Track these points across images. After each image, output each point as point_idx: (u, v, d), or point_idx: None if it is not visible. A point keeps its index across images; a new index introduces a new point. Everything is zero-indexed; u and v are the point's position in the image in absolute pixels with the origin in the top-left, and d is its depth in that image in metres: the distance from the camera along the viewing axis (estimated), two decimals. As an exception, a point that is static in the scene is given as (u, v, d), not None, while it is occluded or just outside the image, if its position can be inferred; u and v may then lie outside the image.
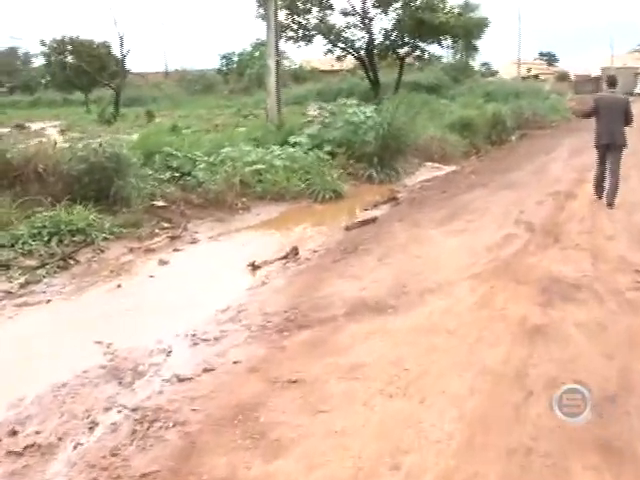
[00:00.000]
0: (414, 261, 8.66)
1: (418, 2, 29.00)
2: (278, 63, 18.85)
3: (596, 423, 4.43)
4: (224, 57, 58.01)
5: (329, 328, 6.43)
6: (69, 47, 44.04)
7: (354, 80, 41.46)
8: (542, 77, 66.71)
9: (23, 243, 9.77)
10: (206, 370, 5.73)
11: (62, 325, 7.40)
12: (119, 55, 37.64)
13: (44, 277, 8.98)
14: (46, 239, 10.16)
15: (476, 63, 56.61)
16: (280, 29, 29.10)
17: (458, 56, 52.11)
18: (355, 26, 30.90)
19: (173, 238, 11.16)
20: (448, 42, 31.57)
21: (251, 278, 8.82)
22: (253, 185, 14.18)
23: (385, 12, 30.52)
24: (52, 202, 11.21)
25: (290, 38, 30.43)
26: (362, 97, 26.70)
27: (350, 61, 36.20)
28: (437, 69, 46.40)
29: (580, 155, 18.95)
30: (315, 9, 29.89)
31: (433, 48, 33.85)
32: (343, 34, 30.64)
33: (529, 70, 69.56)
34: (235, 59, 56.32)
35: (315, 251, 9.94)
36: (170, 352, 6.33)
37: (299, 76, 51.33)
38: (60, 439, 4.69)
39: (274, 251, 10.00)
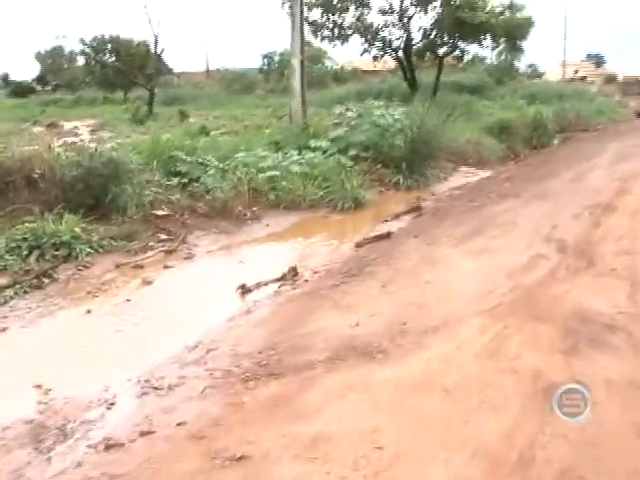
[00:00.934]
0: (422, 289, 7.44)
1: (458, 1, 27.46)
2: (303, 62, 17.69)
3: None
4: (266, 56, 57.05)
5: (302, 379, 5.27)
6: (109, 46, 43.36)
7: (395, 81, 40.02)
8: (589, 79, 64.55)
9: (-2, 258, 8.70)
10: (143, 434, 4.64)
11: (4, 362, 6.32)
12: (159, 54, 36.62)
13: (12, 298, 7.96)
14: (25, 253, 9.15)
15: (522, 64, 54.81)
16: (316, 28, 28.17)
17: (502, 57, 50.45)
18: (393, 25, 29.59)
19: (168, 252, 10.10)
20: (489, 42, 29.79)
21: (237, 304, 7.69)
22: (266, 193, 13.02)
23: (424, 11, 29.11)
24: (42, 211, 10.21)
25: (325, 37, 29.17)
26: (402, 98, 25.51)
27: (391, 62, 34.84)
28: (480, 70, 44.82)
29: (624, 162, 17.53)
30: (352, 7, 28.56)
31: (473, 48, 32.33)
32: (380, 33, 29.28)
33: (576, 72, 67.34)
34: (277, 58, 55.25)
35: (316, 272, 8.78)
36: (112, 404, 5.25)
37: (340, 77, 50.09)
38: None
39: (272, 270, 8.78)
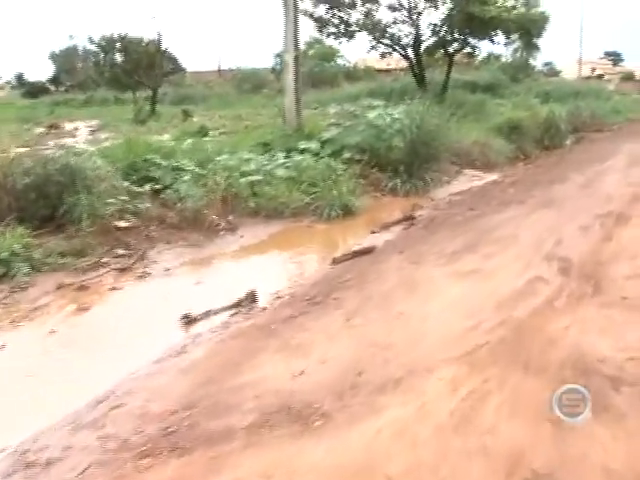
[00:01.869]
0: (392, 323, 6.15)
1: (469, -6, 26.03)
2: (297, 58, 16.37)
3: None
4: (278, 55, 55.61)
5: (210, 459, 4.01)
6: (117, 45, 42.17)
7: (407, 79, 38.54)
8: (606, 77, 62.80)
9: None
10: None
11: None
12: (164, 53, 35.44)
13: None
14: (-46, 273, 7.95)
15: (538, 62, 53.34)
16: (321, 24, 26.85)
17: (518, 54, 49.02)
18: (402, 22, 28.14)
19: (122, 270, 8.87)
20: (500, 38, 28.29)
21: (175, 340, 6.37)
22: (246, 200, 11.76)
23: (435, 6, 27.65)
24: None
25: (331, 34, 27.81)
26: (413, 97, 24.30)
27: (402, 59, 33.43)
28: (494, 68, 43.35)
29: (639, 165, 16.07)
30: (359, 3, 27.18)
31: (485, 45, 30.90)
32: (389, 30, 27.86)
33: (593, 70, 65.68)
34: (289, 58, 53.97)
35: (279, 297, 7.52)
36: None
37: (353, 75, 48.74)
38: None
39: (231, 293, 7.50)
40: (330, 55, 49.61)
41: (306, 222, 11.74)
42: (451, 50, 28.67)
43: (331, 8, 26.45)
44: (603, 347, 5.40)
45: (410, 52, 28.35)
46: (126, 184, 11.46)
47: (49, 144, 20.23)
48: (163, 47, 34.51)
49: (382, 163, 15.00)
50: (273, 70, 54.23)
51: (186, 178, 11.75)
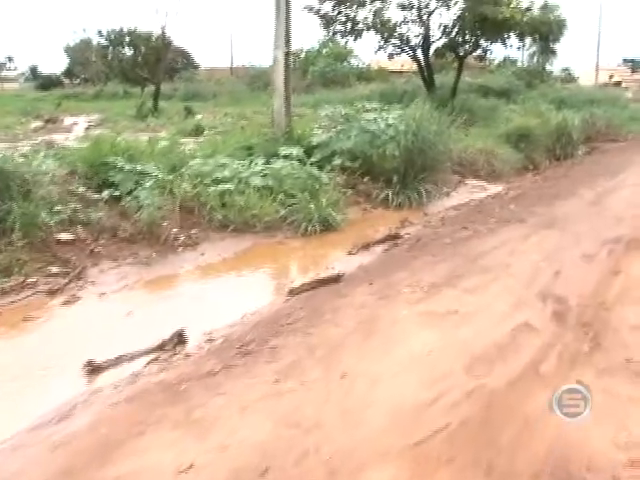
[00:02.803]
0: (329, 390, 4.79)
1: (482, -6, 24.55)
2: (288, 55, 14.97)
3: None
4: (292, 54, 54.25)
5: None
6: (127, 39, 40.99)
7: (419, 81, 37.22)
8: (624, 84, 60.95)
9: None
10: None
11: None
12: (168, 48, 34.14)
13: None
14: None
15: (555, 68, 51.69)
16: (327, 22, 25.46)
17: (534, 59, 47.45)
18: (412, 21, 26.69)
19: (51, 292, 7.55)
20: (514, 41, 26.72)
21: (68, 395, 5.01)
22: (214, 211, 10.42)
23: (446, 6, 26.18)
24: None
25: (337, 32, 26.36)
26: (423, 100, 23.10)
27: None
28: (509, 72, 41.80)
29: (656, 179, 14.63)
30: (368, 0, 25.74)
31: (498, 48, 29.38)
32: (398, 30, 26.39)
33: (611, 77, 63.80)
34: (302, 56, 52.47)
35: (211, 339, 6.18)
36: None
37: (366, 76, 47.29)
38: None
39: (161, 330, 6.15)
40: (344, 55, 48.12)
41: (279, 238, 10.43)
42: (462, 52, 27.11)
43: (337, 5, 24.98)
44: (597, 441, 4.01)
45: (419, 53, 26.84)
46: (82, 190, 10.14)
47: (36, 139, 19.13)
48: (168, 42, 32.75)
49: (375, 172, 13.69)
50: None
51: (148, 185, 10.40)
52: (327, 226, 10.85)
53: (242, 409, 4.47)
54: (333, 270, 8.48)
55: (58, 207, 9.28)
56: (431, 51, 27.00)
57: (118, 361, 5.67)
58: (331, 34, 26.44)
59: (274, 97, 15.10)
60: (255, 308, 6.98)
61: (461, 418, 4.28)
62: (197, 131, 22.06)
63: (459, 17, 25.80)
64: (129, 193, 10.38)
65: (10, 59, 71.64)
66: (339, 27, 25.88)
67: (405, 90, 33.31)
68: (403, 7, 26.33)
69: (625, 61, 75.97)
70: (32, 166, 9.39)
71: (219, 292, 7.96)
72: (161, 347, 5.94)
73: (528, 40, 34.10)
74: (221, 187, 10.87)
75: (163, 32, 31.39)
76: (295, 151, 12.59)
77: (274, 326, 6.17)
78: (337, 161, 13.36)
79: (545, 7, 34.48)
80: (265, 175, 11.67)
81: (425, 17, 26.34)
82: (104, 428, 4.37)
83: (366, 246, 9.71)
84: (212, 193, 10.75)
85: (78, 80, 60.67)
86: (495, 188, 15.51)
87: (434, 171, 14.02)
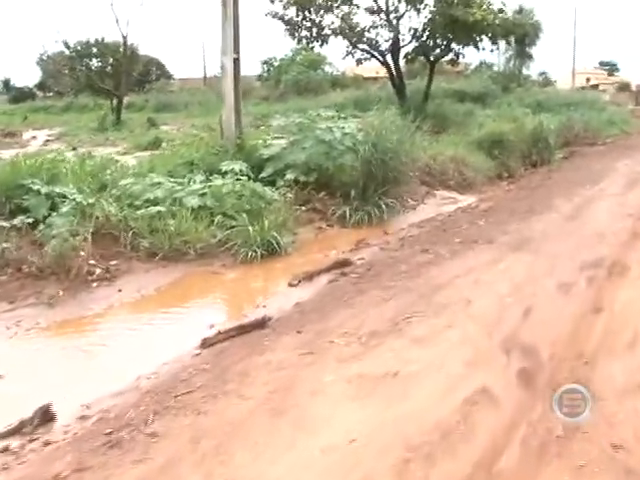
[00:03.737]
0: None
1: (452, -4, 23.24)
2: (237, 62, 13.52)
3: None
4: (265, 62, 52.85)
5: None
6: (94, 50, 39.33)
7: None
8: (601, 87, 59.91)
9: None
10: None
11: None
12: (131, 58, 32.54)
13: None
14: None
15: (532, 72, 50.66)
16: (292, 28, 24.09)
17: (511, 64, 46.34)
18: (382, 26, 25.34)
19: None
20: (486, 44, 25.36)
21: None
22: (140, 237, 8.96)
23: (417, 10, 24.83)
24: None
25: (302, 38, 24.95)
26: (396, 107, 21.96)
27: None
28: (485, 77, 40.62)
29: (638, 187, 13.25)
30: (335, 5, 24.37)
31: (470, 51, 28.08)
32: (366, 34, 25.02)
33: (588, 80, 62.83)
34: (276, 64, 51.14)
35: (83, 417, 4.69)
36: None
37: (340, 83, 45.98)
38: None
39: (32, 404, 4.67)
40: (317, 62, 46.77)
41: (216, 266, 8.99)
42: (433, 57, 25.77)
43: (302, 10, 23.56)
44: None
45: (389, 58, 25.45)
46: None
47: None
48: (132, 51, 31.26)
49: (332, 186, 12.30)
50: (260, 77, 51.59)
51: (65, 210, 8.93)
52: (272, 250, 9.38)
53: None
54: (265, 309, 7.08)
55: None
56: (401, 56, 25.58)
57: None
58: (296, 40, 24.92)
59: (223, 107, 13.63)
60: (156, 367, 5.51)
61: None
62: (154, 144, 20.63)
63: (429, 20, 24.54)
64: (45, 219, 8.89)
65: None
66: (304, 33, 24.48)
67: (379, 97, 32.13)
68: (372, 11, 25.01)
69: (602, 64, 75.26)
70: None
71: (122, 343, 6.48)
72: (18, 429, 4.47)
73: (503, 44, 32.96)
74: (151, 210, 9.41)
75: (125, 41, 29.84)
76: (238, 166, 11.12)
77: (166, 397, 4.73)
78: (290, 175, 11.97)
79: (520, 11, 33.34)
80: (203, 194, 10.23)
81: (394, 21, 24.98)
82: None
83: (309, 276, 8.28)
84: (140, 216, 9.27)
85: (51, 93, 58.99)
86: (466, 199, 14.14)
87: (398, 183, 12.61)
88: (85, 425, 4.54)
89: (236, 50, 13.60)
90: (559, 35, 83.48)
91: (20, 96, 57.44)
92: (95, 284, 8.00)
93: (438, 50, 25.53)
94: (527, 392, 4.62)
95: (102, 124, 28.67)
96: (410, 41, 25.14)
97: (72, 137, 25.96)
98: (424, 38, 25.11)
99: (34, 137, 27.57)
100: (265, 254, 9.29)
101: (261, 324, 6.31)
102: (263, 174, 12.26)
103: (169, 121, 34.05)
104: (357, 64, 26.58)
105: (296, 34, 24.74)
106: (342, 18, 24.81)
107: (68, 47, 38.45)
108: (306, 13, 23.76)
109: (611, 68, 74.94)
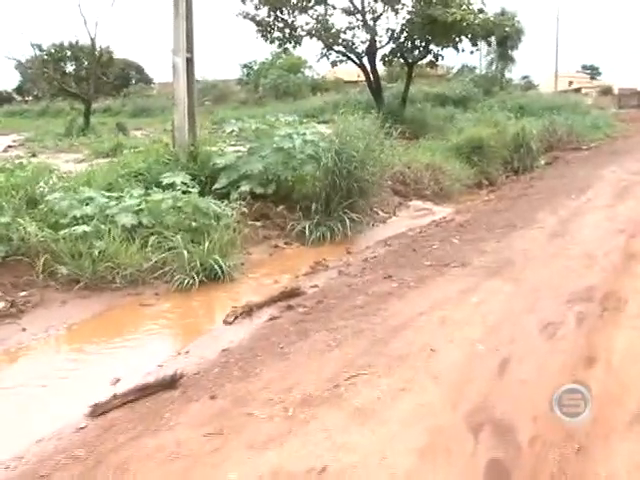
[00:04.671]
0: None
1: (430, -4, 21.94)
2: (190, 61, 12.12)
3: None
4: (245, 66, 51.38)
5: None
6: (68, 53, 37.79)
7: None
8: (584, 90, 58.92)
9: None
10: None
11: None
12: (99, 61, 31.00)
13: None
14: None
15: (515, 76, 49.62)
16: (264, 28, 22.73)
17: (493, 67, 45.24)
18: (358, 27, 24.02)
19: None
20: (466, 45, 24.08)
21: None
22: (62, 262, 7.57)
23: (394, 10, 23.52)
24: None
25: (275, 39, 23.57)
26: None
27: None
28: (467, 80, 39.48)
29: (627, 198, 12.10)
30: (309, 5, 23.02)
31: (450, 53, 26.83)
32: (342, 36, 23.68)
33: (570, 83, 61.87)
34: (257, 68, 49.71)
35: None
36: None
37: (321, 87, 44.67)
38: None
39: None
40: (297, 66, 45.41)
41: (147, 295, 7.64)
42: (411, 59, 24.45)
43: (274, 10, 22.17)
44: None
45: (366, 61, 24.10)
46: None
47: None
48: (101, 54, 29.76)
49: (292, 198, 10.94)
50: (240, 81, 50.21)
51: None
52: (215, 275, 8.00)
53: None
54: (186, 357, 5.72)
55: None
56: (378, 58, 24.25)
57: None
58: (269, 42, 23.54)
59: (175, 111, 12.21)
60: (26, 446, 4.14)
61: None
62: (116, 151, 19.20)
63: (407, 21, 23.24)
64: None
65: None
66: (277, 34, 23.11)
67: (359, 100, 31.00)
68: (348, 12, 23.67)
69: (584, 68, 74.54)
70: None
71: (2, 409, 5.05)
72: None
73: (485, 46, 31.94)
74: (76, 229, 8.00)
75: (93, 44, 28.35)
76: (180, 178, 9.72)
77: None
78: (245, 187, 10.65)
79: (502, 14, 32.17)
80: (139, 211, 8.82)
81: (371, 22, 23.67)
82: None
83: (249, 311, 6.90)
84: (62, 238, 7.86)
85: (30, 97, 57.47)
86: (442, 210, 12.88)
87: (366, 195, 11.30)
88: None
89: (189, 49, 12.23)
90: (542, 39, 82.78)
91: (-1, 100, 55.93)
92: (-3, 321, 6.57)
93: (416, 52, 24.29)
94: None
95: (69, 129, 27.17)
96: (387, 42, 23.85)
97: (37, 143, 24.51)
98: (402, 39, 23.87)
99: (-2, 143, 26.04)
100: (206, 280, 7.92)
101: (170, 383, 4.93)
102: (216, 185, 10.96)
103: (144, 126, 32.70)
104: (332, 66, 25.30)
105: (268, 35, 23.32)
106: (317, 19, 23.45)
107: (41, 50, 36.86)
108: (278, 13, 22.34)
109: (593, 72, 74.23)
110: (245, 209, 10.13)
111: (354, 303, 6.73)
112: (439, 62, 25.92)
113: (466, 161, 16.45)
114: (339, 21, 23.86)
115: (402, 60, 25.09)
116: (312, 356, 5.33)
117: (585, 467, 3.61)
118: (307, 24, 23.07)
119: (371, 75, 24.72)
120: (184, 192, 9.56)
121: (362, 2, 23.39)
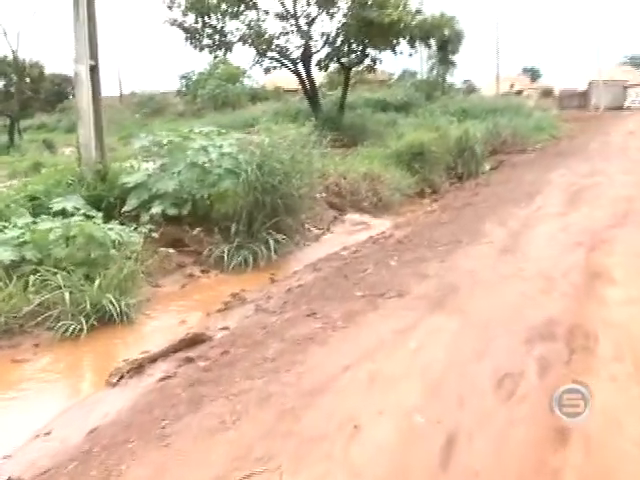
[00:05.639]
0: None
1: (365, -2, 20.76)
2: (95, 70, 10.65)
3: None
4: (183, 77, 49.68)
5: None
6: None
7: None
8: (525, 93, 58.74)
9: None
10: None
11: None
12: (22, 75, 29.16)
13: None
14: None
15: (456, 80, 48.89)
16: (192, 35, 21.28)
17: (434, 72, 44.34)
18: (292, 32, 22.76)
19: None
20: (404, 48, 23.01)
21: None
22: None
23: (330, 14, 22.31)
24: None
25: (205, 46, 22.14)
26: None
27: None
28: (408, 85, 38.53)
29: (581, 204, 10.96)
30: (241, 10, 21.67)
31: (388, 57, 25.74)
32: (276, 41, 22.38)
33: (512, 86, 61.66)
34: (195, 79, 48.09)
35: None
36: None
37: (260, 96, 43.29)
38: None
39: None
40: (236, 76, 43.94)
41: (25, 346, 6.28)
42: (348, 63, 23.23)
43: (201, 16, 20.75)
44: None
45: (300, 67, 22.82)
46: None
47: None
48: (25, 67, 27.95)
49: (212, 219, 9.49)
50: (178, 92, 48.55)
51: None
52: (109, 318, 6.57)
53: None
54: (46, 440, 4.37)
55: None
56: (314, 63, 23.00)
57: None
58: (198, 49, 22.10)
59: (79, 125, 10.72)
60: None
61: None
62: (34, 170, 17.61)
63: (343, 24, 21.99)
64: None
65: None
66: (206, 41, 21.68)
67: (299, 108, 29.86)
68: (281, 17, 22.38)
69: (524, 70, 74.78)
70: None
71: None
72: None
73: (425, 51, 30.94)
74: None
75: (15, 56, 26.52)
76: (72, 203, 8.26)
77: None
78: (156, 208, 9.27)
79: (442, 16, 31.31)
80: (22, 243, 7.32)
81: (305, 27, 22.39)
82: None
83: (139, 366, 5.48)
84: None
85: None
86: (380, 224, 11.69)
87: (294, 211, 10.01)
88: None
89: (93, 56, 10.79)
90: (482, 43, 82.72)
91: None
92: None
93: (353, 55, 23.03)
94: None
95: (-8, 147, 25.43)
96: (322, 47, 22.60)
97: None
98: (338, 43, 22.64)
99: None
100: (98, 324, 6.50)
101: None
102: (125, 208, 9.57)
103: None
104: (265, 73, 24.01)
105: (197, 43, 21.90)
106: (248, 25, 22.11)
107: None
108: (206, 19, 20.92)
109: (534, 74, 74.45)
110: (155, 234, 8.72)
111: (266, 354, 5.37)
112: (378, 66, 24.86)
113: (407, 168, 15.28)
114: (272, 26, 22.61)
115: (339, 64, 23.80)
116: (199, 441, 3.96)
117: None
118: (238, 30, 21.64)
119: (306, 81, 23.44)
120: (88, 217, 8.12)
121: (295, 6, 22.09)
